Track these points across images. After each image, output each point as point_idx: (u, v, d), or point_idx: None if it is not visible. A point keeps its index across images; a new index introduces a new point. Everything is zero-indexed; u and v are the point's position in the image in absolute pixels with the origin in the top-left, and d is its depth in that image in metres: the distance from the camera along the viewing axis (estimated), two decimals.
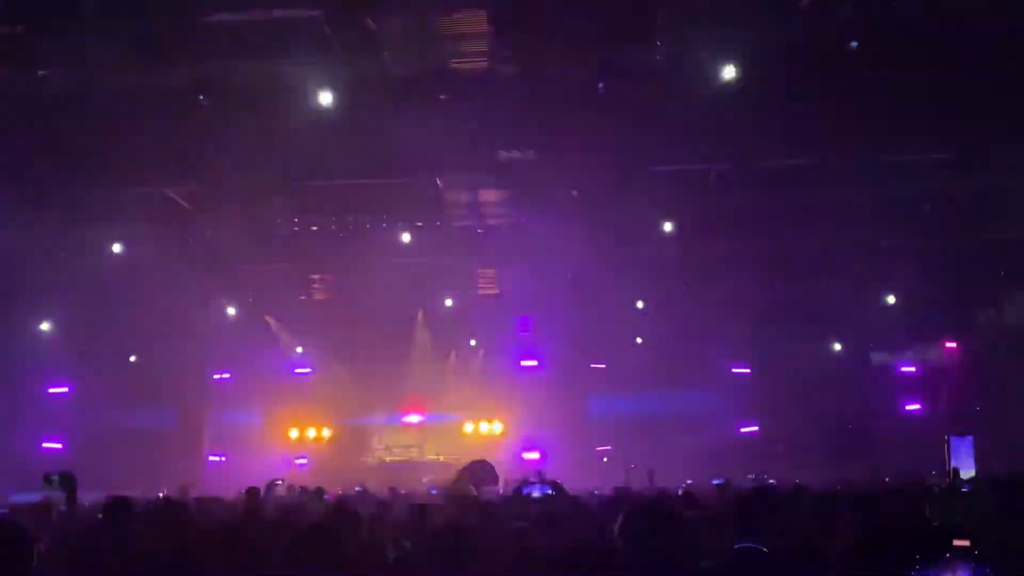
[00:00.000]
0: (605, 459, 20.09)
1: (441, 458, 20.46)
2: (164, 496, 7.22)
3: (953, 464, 5.27)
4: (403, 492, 10.72)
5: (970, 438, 4.63)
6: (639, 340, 20.19)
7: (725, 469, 12.93)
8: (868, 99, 11.77)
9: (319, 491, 8.16)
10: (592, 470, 17.09)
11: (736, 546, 3.76)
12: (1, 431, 18.10)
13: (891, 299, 18.18)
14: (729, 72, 11.06)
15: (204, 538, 4.50)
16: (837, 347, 20.14)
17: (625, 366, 20.60)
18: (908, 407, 20.15)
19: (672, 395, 20.88)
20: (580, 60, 10.97)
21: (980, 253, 16.41)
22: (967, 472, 5.23)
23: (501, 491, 10.63)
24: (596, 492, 9.71)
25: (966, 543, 2.17)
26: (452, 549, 4.11)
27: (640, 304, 18.82)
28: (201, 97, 11.27)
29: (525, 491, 5.28)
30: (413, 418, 22.39)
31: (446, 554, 4.11)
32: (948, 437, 4.71)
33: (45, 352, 19.05)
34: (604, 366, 20.84)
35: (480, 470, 9.00)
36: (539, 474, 7.82)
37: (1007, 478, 5.85)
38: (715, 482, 9.35)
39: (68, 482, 5.84)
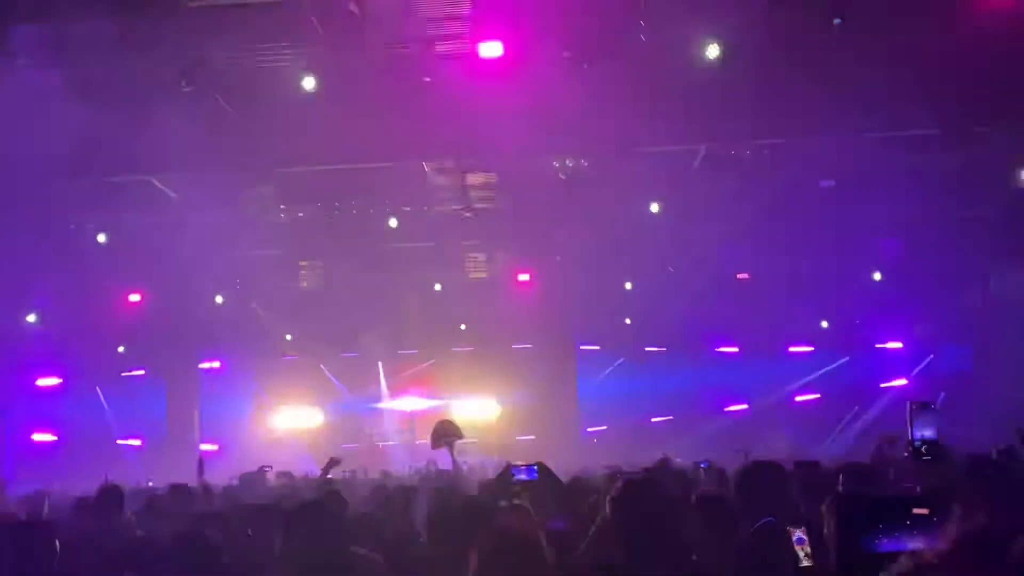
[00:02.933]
0: (596, 440, 20.24)
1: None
2: (171, 485, 7.25)
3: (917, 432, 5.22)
4: (395, 475, 10.78)
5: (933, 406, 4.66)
6: (627, 321, 20.29)
7: (715, 449, 13.04)
8: (853, 76, 11.83)
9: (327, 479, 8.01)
10: (585, 451, 17.19)
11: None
12: None
13: (877, 276, 18.26)
14: (713, 51, 11.09)
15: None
16: (824, 324, 20.26)
17: (617, 346, 20.76)
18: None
19: (662, 375, 21.03)
20: (565, 42, 10.94)
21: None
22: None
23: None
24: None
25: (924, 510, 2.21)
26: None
27: (628, 285, 18.88)
28: (184, 83, 11.18)
29: (513, 473, 5.28)
30: (405, 402, 22.46)
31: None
32: (909, 403, 4.72)
33: (33, 344, 18.99)
34: (598, 348, 20.96)
35: (442, 430, 8.82)
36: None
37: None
38: (702, 464, 9.21)
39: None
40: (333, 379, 22.41)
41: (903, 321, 19.71)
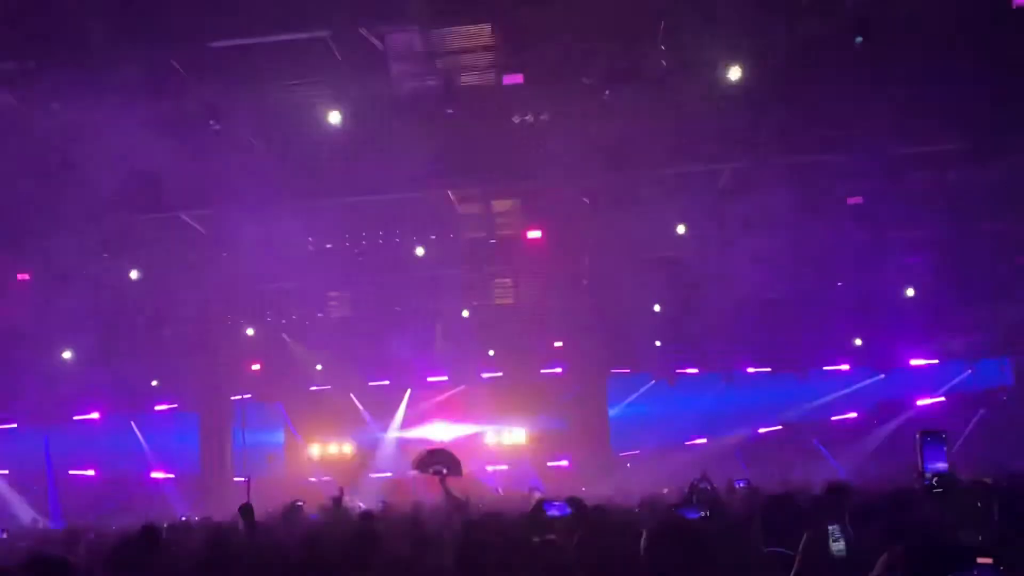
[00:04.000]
0: (628, 464, 20.05)
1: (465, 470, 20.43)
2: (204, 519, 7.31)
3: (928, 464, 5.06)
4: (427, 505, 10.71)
5: (942, 436, 4.49)
6: (657, 343, 20.14)
7: (749, 470, 12.86)
8: (876, 93, 11.79)
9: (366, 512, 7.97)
10: (617, 476, 17.03)
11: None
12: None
13: (910, 292, 17.97)
14: (735, 73, 11.09)
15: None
16: (858, 342, 19.96)
17: (647, 368, 20.61)
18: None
19: (694, 396, 20.85)
20: (585, 68, 10.99)
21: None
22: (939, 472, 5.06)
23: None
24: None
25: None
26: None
27: (657, 307, 18.76)
28: (212, 121, 11.38)
29: (546, 509, 5.20)
30: (435, 430, 22.42)
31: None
32: (919, 433, 4.53)
33: (70, 380, 19.27)
34: (628, 371, 20.83)
35: (430, 458, 8.59)
36: (532, 490, 7.52)
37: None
38: (738, 484, 9.07)
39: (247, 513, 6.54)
40: (360, 408, 22.46)
41: (938, 337, 19.38)
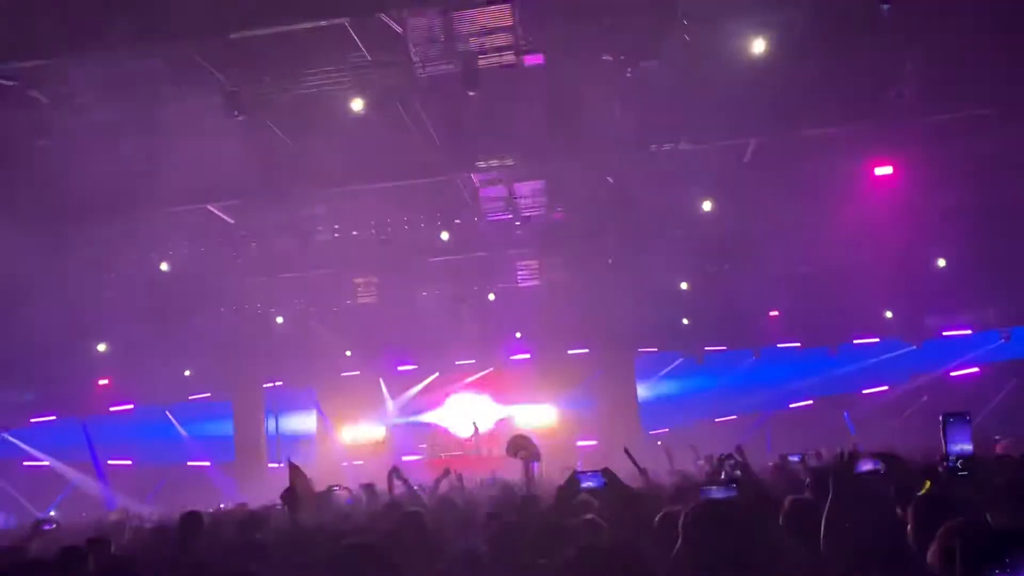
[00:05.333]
0: (659, 442, 20.02)
1: (495, 451, 20.57)
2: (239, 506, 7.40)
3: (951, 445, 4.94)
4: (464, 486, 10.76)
5: (966, 417, 4.37)
6: (685, 321, 20.06)
7: (782, 447, 12.77)
8: (904, 60, 11.58)
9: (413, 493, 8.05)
10: (645, 455, 17.01)
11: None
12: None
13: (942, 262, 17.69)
14: (759, 45, 10.94)
15: None
16: (888, 314, 19.73)
17: (675, 347, 20.57)
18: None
19: (723, 373, 20.79)
20: (607, 47, 10.89)
21: None
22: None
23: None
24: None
25: None
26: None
27: (684, 285, 18.67)
28: (236, 112, 11.44)
29: (579, 480, 5.22)
30: (464, 412, 22.55)
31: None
32: (943, 415, 4.42)
33: (104, 372, 19.63)
34: (655, 349, 20.80)
35: (520, 443, 8.94)
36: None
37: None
38: (792, 458, 8.77)
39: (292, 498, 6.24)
40: (385, 393, 22.66)
41: (971, 307, 19.11)
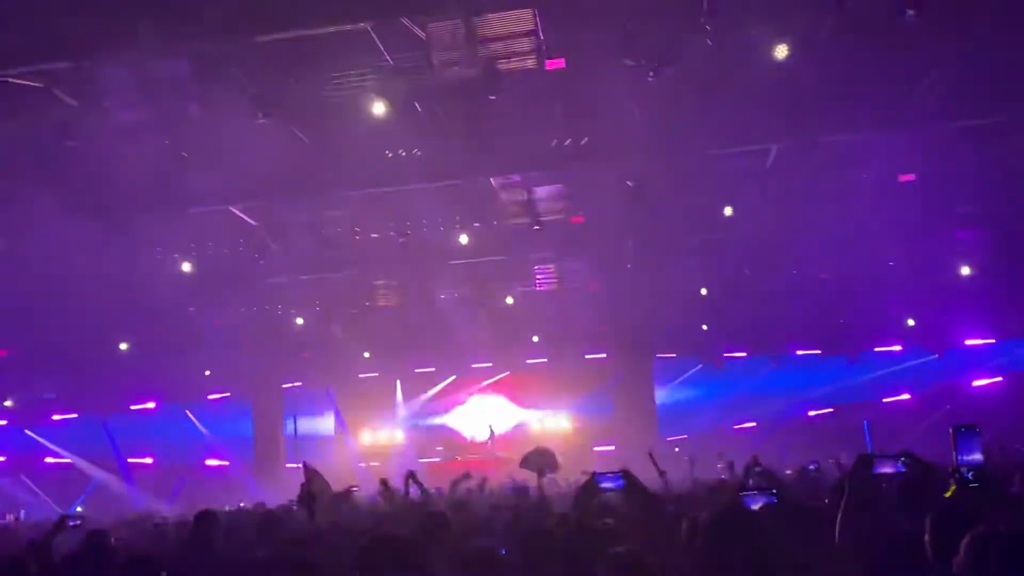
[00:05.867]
0: (677, 449, 19.94)
1: (511, 455, 20.57)
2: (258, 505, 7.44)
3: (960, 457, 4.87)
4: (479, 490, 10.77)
5: (976, 429, 4.29)
6: (704, 327, 19.97)
7: (801, 456, 12.71)
8: (927, 67, 11.50)
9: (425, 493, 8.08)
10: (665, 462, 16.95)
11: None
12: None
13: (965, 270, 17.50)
14: (781, 51, 10.90)
15: None
16: (910, 322, 19.54)
17: (694, 352, 20.46)
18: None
19: (742, 380, 20.66)
20: (628, 51, 10.88)
21: None
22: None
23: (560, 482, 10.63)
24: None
25: None
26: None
27: (704, 290, 18.58)
28: (260, 115, 11.55)
29: (599, 481, 5.18)
30: (479, 415, 22.57)
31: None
32: (953, 428, 4.34)
33: (127, 371, 19.80)
34: (674, 355, 20.71)
35: (538, 459, 8.97)
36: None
37: None
38: (811, 466, 8.72)
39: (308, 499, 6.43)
40: (399, 397, 22.74)
41: (994, 316, 18.90)
